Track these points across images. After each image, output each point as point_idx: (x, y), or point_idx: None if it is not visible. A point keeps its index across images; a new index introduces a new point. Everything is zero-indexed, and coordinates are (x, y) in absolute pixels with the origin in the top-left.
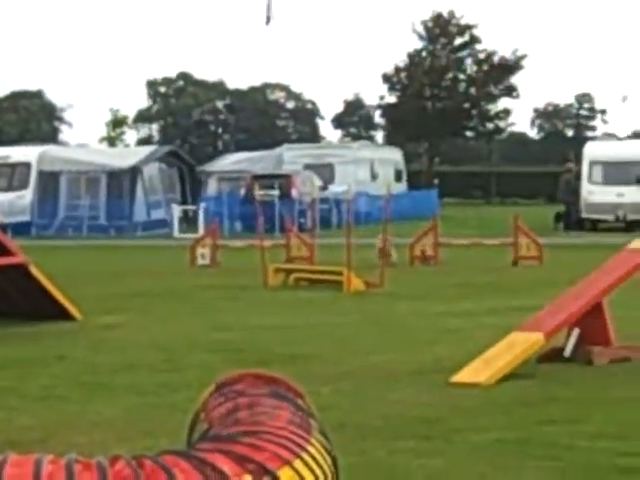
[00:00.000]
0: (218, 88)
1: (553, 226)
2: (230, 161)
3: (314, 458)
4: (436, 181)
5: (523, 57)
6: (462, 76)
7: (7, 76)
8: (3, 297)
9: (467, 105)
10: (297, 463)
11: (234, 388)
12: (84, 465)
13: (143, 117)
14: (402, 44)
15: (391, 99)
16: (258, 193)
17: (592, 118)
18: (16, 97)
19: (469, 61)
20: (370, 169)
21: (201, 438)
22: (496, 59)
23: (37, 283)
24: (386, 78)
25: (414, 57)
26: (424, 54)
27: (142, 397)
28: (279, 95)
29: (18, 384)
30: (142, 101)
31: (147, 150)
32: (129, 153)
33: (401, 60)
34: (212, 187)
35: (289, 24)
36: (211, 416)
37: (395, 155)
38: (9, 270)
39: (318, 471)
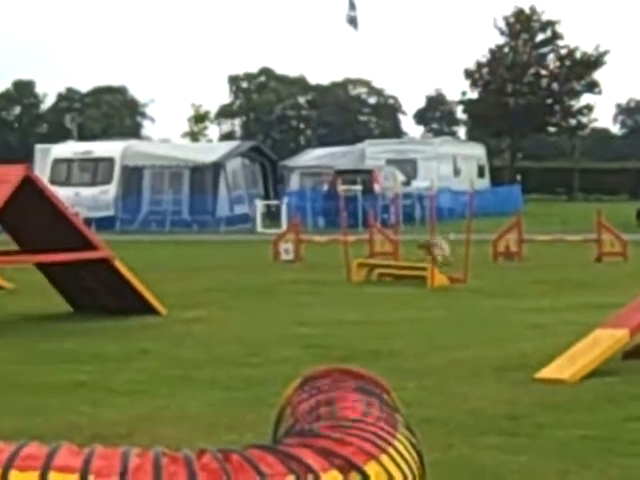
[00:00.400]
0: (300, 83)
1: (636, 222)
2: (312, 156)
3: (400, 453)
4: (519, 177)
5: (605, 53)
6: (544, 72)
7: (91, 72)
8: (88, 292)
9: (549, 101)
10: (383, 458)
11: (320, 383)
12: (171, 458)
13: (225, 112)
14: (484, 40)
15: (473, 95)
16: (341, 188)
17: None
18: (99, 92)
19: (551, 57)
20: (453, 165)
21: (287, 433)
22: (578, 55)
23: (121, 277)
24: (468, 74)
25: (496, 53)
26: (506, 50)
27: (226, 392)
28: (361, 90)
29: (103, 378)
30: (224, 96)
31: (230, 145)
32: (212, 148)
33: (483, 56)
34: (295, 182)
35: (371, 20)
36: (297, 411)
37: (478, 151)
38: (94, 265)
39: (404, 466)
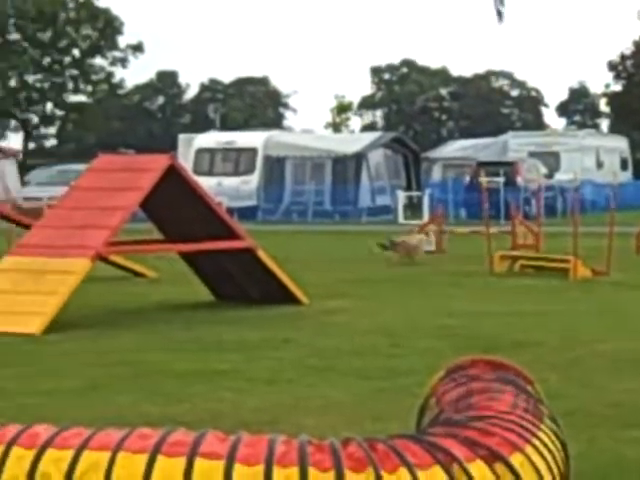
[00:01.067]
0: (442, 75)
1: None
2: (454, 148)
3: (545, 444)
4: None
5: None
6: None
7: (233, 62)
8: (230, 281)
9: None
10: (528, 449)
11: (465, 374)
12: (317, 447)
13: (367, 103)
14: (628, 32)
15: (617, 87)
16: (483, 180)
17: None
18: (242, 83)
19: None
20: (596, 157)
21: (432, 422)
22: None
23: (264, 267)
24: (612, 66)
25: None
26: None
27: (369, 381)
28: (503, 82)
29: (246, 367)
30: (366, 88)
31: (372, 136)
32: (354, 139)
33: (627, 48)
34: (437, 174)
35: (514, 12)
36: (442, 401)
37: (621, 143)
38: (237, 254)
39: (549, 457)
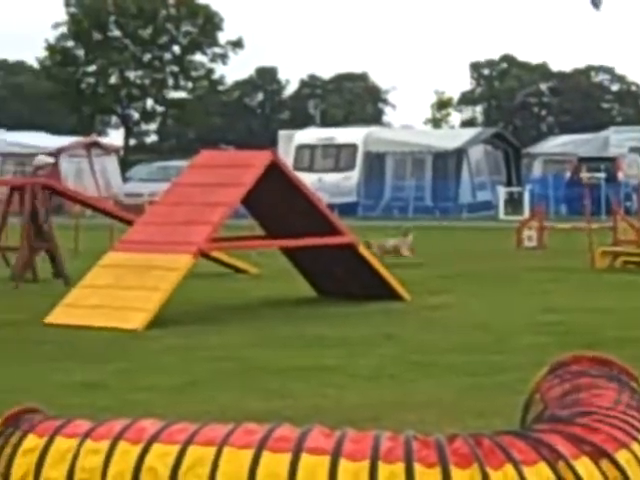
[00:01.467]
0: (541, 70)
1: None
2: (555, 143)
3: None
4: None
5: None
6: None
7: (333, 59)
8: (332, 277)
9: None
10: (634, 445)
11: (569, 370)
12: (422, 442)
13: (466, 99)
14: None
15: None
16: (584, 176)
17: None
18: (341, 79)
19: None
20: None
21: (537, 419)
22: None
23: (366, 263)
24: None
25: None
26: None
27: (472, 377)
28: (603, 77)
29: (348, 363)
30: (465, 83)
31: (473, 132)
32: (455, 135)
33: None
34: (537, 169)
35: (614, 5)
36: (547, 397)
37: None
38: (338, 250)
39: None
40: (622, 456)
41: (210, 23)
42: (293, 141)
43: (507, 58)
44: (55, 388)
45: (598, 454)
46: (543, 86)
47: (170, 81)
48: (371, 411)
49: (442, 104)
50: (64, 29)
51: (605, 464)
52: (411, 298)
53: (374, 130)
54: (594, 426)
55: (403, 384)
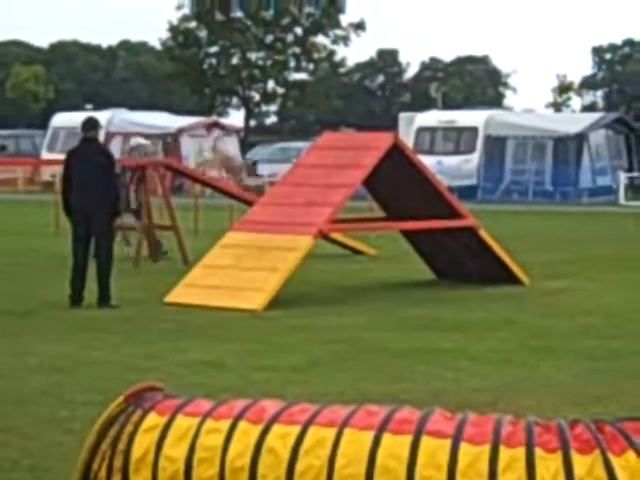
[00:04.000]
0: None
1: None
2: None
3: None
4: None
5: None
6: None
7: (454, 41)
8: (452, 260)
9: None
10: None
11: None
12: (544, 427)
13: (588, 83)
14: None
15: None
16: None
17: None
18: (462, 62)
19: None
20: None
21: None
22: None
23: (486, 247)
24: None
25: None
26: None
27: (592, 362)
28: None
29: (467, 346)
30: (586, 67)
31: (594, 116)
32: (575, 119)
33: None
34: None
35: None
36: None
37: None
38: (458, 233)
39: None
40: None
41: (332, 5)
42: (414, 124)
43: (630, 42)
44: (175, 367)
45: None
46: None
47: (291, 63)
48: (490, 395)
49: (564, 88)
50: (186, 10)
51: None
52: (530, 282)
53: (495, 113)
54: None
55: (522, 368)
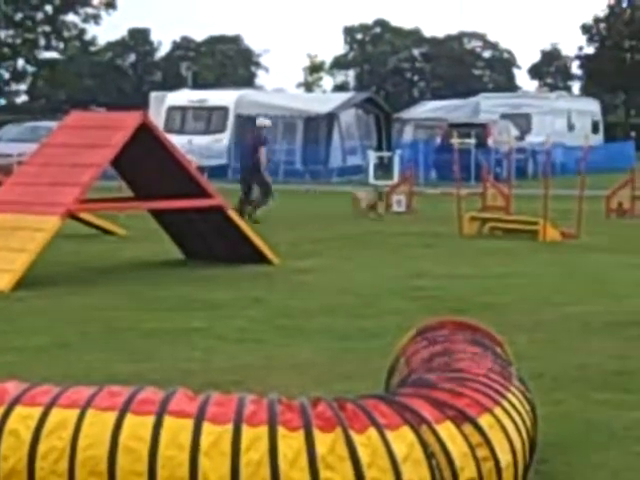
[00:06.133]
0: (414, 36)
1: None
2: (426, 109)
3: (514, 405)
4: (633, 133)
5: None
6: None
7: (205, 21)
8: (201, 240)
9: None
10: (497, 410)
11: (435, 334)
12: (286, 406)
13: (339, 63)
14: None
15: (589, 50)
16: (455, 141)
17: None
18: (214, 42)
19: None
20: (567, 120)
21: (401, 383)
22: None
23: (235, 226)
24: (585, 29)
25: (614, 8)
26: (624, 5)
27: (339, 341)
28: (475, 44)
29: (215, 326)
30: (338, 47)
31: (344, 96)
32: (326, 99)
33: (601, 10)
34: (408, 134)
35: None
36: (412, 361)
37: (592, 106)
38: (207, 212)
39: (517, 418)
40: (485, 420)
41: None
42: (164, 103)
43: (380, 23)
44: None
45: (461, 418)
46: (416, 52)
47: (42, 41)
48: (238, 374)
49: (314, 68)
50: None
51: (468, 428)
52: (281, 261)
53: (246, 93)
54: (458, 391)
55: (271, 348)
